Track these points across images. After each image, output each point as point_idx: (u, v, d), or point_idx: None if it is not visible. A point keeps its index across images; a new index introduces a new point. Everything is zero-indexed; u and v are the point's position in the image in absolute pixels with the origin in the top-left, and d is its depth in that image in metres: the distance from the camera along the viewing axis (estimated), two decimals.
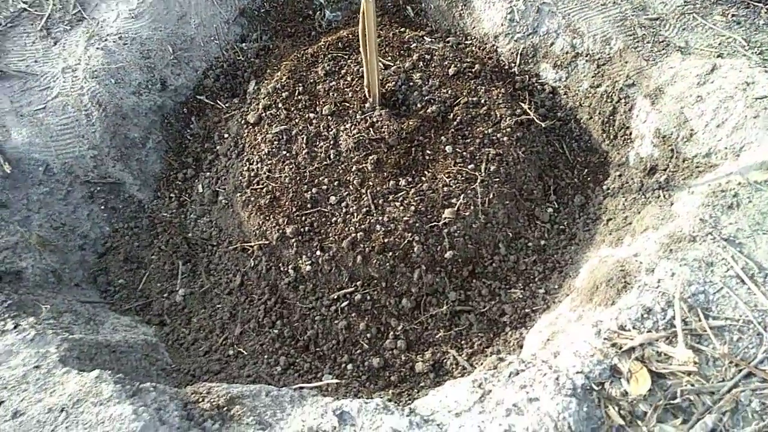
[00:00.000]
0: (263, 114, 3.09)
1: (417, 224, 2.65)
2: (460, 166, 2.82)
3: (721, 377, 1.74)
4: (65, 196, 2.94)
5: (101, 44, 3.32)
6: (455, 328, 2.61)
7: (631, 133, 2.91)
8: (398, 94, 3.09)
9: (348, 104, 3.06)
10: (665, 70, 2.83)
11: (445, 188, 2.75)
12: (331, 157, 2.87)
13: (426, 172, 2.83)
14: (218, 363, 2.56)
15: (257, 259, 2.79)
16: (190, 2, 3.62)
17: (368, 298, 2.65)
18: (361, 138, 2.88)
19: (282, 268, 2.74)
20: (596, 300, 2.15)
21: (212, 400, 1.91)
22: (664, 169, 2.63)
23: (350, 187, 2.79)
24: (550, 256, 2.77)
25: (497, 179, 2.81)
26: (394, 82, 3.11)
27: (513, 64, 3.38)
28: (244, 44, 3.78)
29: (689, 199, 2.33)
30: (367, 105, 3.01)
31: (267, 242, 2.76)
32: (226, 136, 3.22)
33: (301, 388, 2.13)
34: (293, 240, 2.69)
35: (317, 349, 2.64)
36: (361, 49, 2.73)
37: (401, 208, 2.70)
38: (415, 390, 2.41)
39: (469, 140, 2.91)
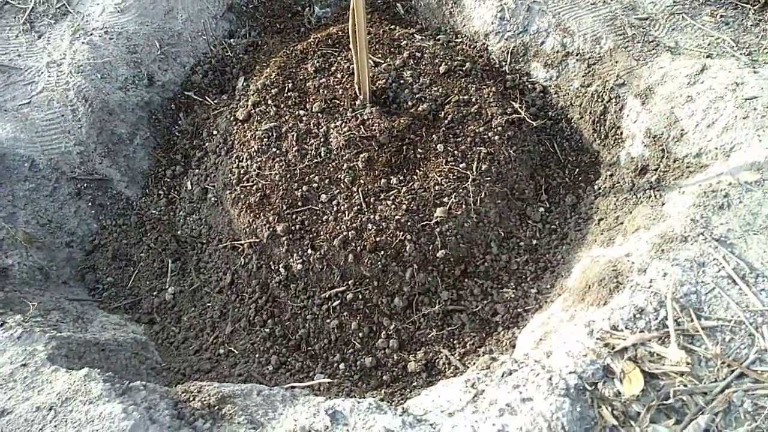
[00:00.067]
0: (252, 111, 3.06)
1: (409, 223, 2.65)
2: (451, 165, 2.81)
3: (713, 378, 1.75)
4: (52, 193, 2.89)
5: (87, 38, 3.26)
6: (447, 327, 2.61)
7: (621, 133, 2.92)
8: (389, 92, 3.07)
9: (338, 101, 3.03)
10: (655, 70, 2.84)
11: (437, 187, 2.75)
12: (322, 154, 2.85)
13: (417, 171, 2.82)
14: (209, 362, 2.54)
15: (248, 257, 2.76)
16: None
17: (360, 297, 2.63)
18: (351, 136, 2.86)
19: (273, 267, 2.72)
20: (588, 300, 2.15)
21: (203, 399, 1.89)
22: (655, 169, 2.65)
23: (341, 185, 2.78)
24: (542, 255, 2.77)
25: (489, 178, 2.81)
26: (384, 80, 3.09)
27: (504, 63, 3.38)
28: (232, 40, 3.74)
29: (680, 200, 2.34)
30: (357, 102, 2.99)
31: (257, 240, 2.73)
32: (215, 132, 3.18)
33: (293, 387, 2.12)
34: (284, 238, 2.67)
35: (309, 348, 2.62)
36: (351, 46, 2.71)
37: (393, 206, 2.69)
38: (408, 390, 2.40)
39: (460, 139, 2.90)
